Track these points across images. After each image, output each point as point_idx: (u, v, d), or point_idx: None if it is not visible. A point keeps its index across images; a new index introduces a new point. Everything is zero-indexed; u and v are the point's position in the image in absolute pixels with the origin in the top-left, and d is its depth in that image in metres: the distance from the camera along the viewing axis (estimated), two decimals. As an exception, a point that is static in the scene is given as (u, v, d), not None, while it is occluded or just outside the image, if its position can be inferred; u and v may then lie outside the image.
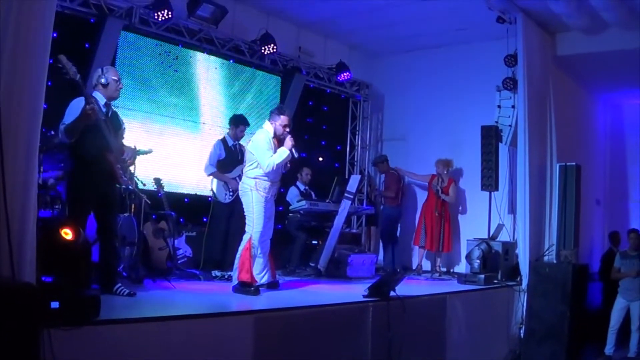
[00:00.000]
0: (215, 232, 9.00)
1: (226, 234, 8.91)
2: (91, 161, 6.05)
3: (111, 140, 6.12)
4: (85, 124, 5.83)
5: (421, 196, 12.35)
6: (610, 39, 10.45)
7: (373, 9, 10.82)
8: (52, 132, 6.11)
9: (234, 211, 8.69)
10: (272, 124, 7.54)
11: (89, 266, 5.72)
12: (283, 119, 7.48)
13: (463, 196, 12.09)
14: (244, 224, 7.46)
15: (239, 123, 9.25)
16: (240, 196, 7.55)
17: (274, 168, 7.29)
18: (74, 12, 8.66)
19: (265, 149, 7.34)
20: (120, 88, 6.37)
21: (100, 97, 6.22)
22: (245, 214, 7.45)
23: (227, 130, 9.46)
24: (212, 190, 9.14)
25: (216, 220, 9.05)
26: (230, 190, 8.92)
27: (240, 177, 8.52)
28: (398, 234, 12.01)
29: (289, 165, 7.65)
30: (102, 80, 6.23)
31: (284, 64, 11.72)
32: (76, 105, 5.90)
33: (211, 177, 9.14)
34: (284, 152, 7.32)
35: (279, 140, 7.51)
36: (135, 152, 6.73)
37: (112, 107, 6.47)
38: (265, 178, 7.37)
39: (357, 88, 13.42)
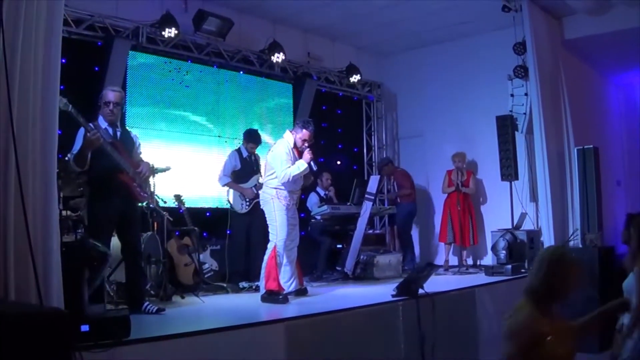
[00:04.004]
0: (236, 243, 8.99)
1: (247, 244, 8.90)
2: (105, 184, 6.13)
3: (121, 161, 6.15)
4: (92, 151, 5.88)
5: (434, 193, 12.39)
6: (616, 19, 10.36)
7: (377, 9, 10.79)
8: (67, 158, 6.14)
9: (253, 221, 8.72)
10: (293, 134, 7.56)
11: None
12: (304, 134, 7.48)
13: (482, 187, 12.03)
14: (266, 232, 7.47)
15: (249, 140, 9.22)
16: (262, 205, 7.59)
17: (290, 179, 7.31)
18: (80, 36, 8.72)
19: (284, 160, 7.35)
20: (110, 110, 6.24)
21: (102, 121, 6.26)
22: (267, 222, 7.47)
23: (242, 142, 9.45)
24: (228, 201, 9.12)
25: (235, 231, 9.05)
26: (247, 200, 8.91)
27: (256, 187, 8.57)
28: (412, 232, 12.03)
29: (312, 178, 7.68)
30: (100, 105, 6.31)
31: (294, 71, 11.73)
32: (81, 134, 5.97)
33: (226, 187, 9.13)
34: (302, 165, 7.33)
35: (299, 151, 7.53)
36: (152, 168, 6.77)
37: (121, 127, 6.49)
38: (283, 188, 7.39)
39: (369, 89, 13.42)
